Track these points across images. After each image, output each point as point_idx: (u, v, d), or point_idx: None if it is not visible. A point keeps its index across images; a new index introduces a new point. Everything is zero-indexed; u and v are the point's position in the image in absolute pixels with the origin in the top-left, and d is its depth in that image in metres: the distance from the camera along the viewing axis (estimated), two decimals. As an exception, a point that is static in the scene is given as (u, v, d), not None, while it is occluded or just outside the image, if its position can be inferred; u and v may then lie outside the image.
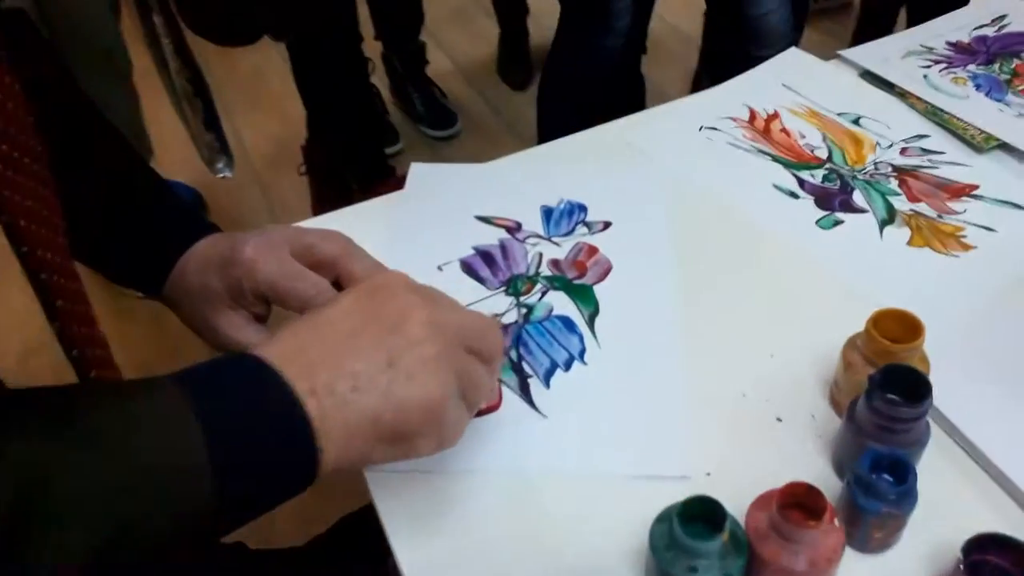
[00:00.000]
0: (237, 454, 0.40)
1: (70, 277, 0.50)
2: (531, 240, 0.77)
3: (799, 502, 0.49)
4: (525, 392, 0.64)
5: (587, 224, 0.78)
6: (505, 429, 0.61)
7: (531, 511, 0.57)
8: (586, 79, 1.70)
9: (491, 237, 0.77)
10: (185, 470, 0.39)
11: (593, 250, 0.75)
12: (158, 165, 2.04)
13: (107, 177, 0.64)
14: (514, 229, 0.78)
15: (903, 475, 0.51)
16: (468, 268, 0.74)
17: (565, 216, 0.79)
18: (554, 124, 1.70)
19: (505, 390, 0.64)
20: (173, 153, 2.12)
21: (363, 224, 0.76)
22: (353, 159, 2.00)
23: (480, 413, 0.62)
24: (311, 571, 0.76)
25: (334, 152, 1.99)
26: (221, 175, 1.59)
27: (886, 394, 0.52)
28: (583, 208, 0.80)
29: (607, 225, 0.78)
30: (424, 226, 0.78)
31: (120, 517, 0.37)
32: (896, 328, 0.57)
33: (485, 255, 0.75)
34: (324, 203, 2.03)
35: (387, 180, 2.00)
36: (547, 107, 1.79)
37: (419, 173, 0.85)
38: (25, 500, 0.34)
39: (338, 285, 0.58)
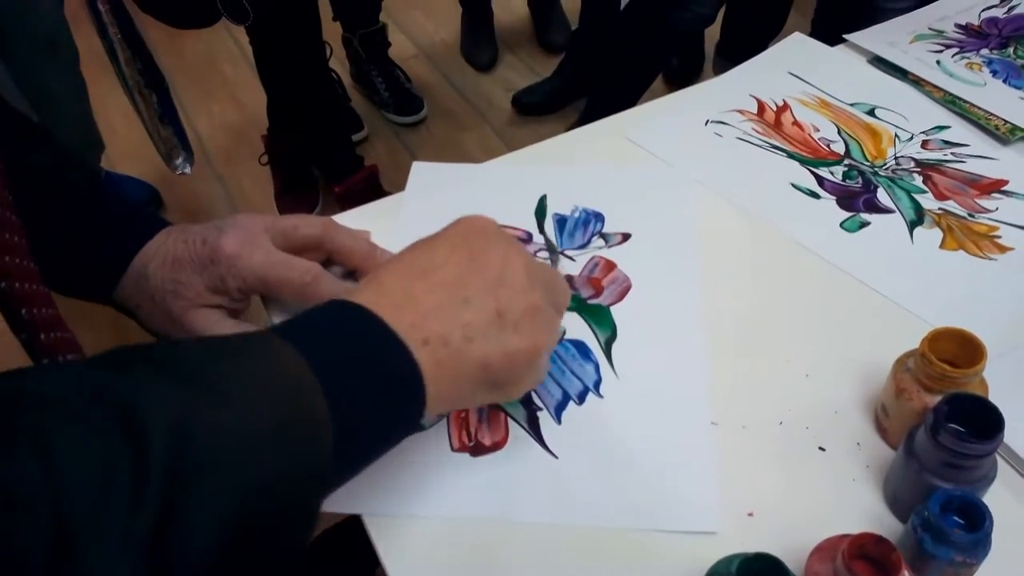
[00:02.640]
0: (352, 409, 0.41)
1: (33, 279, 0.47)
2: (541, 255, 0.70)
3: (864, 553, 0.45)
4: (534, 427, 0.58)
5: (604, 236, 0.71)
6: (511, 470, 0.56)
7: (551, 563, 0.51)
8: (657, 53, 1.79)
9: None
10: (311, 426, 0.39)
11: (610, 266, 0.68)
12: (109, 159, 1.94)
13: (38, 179, 0.59)
14: (525, 240, 0.71)
15: (975, 518, 0.46)
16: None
17: (580, 226, 0.72)
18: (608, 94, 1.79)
19: (512, 425, 0.58)
20: (125, 146, 2.01)
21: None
22: (319, 148, 1.91)
23: (484, 451, 0.57)
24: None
25: (298, 141, 1.90)
26: (180, 171, 1.50)
27: (952, 427, 0.48)
28: (600, 217, 0.73)
29: (626, 237, 0.71)
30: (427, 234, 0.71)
31: (257, 475, 0.36)
32: (953, 349, 0.53)
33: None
34: (288, 195, 1.95)
35: (357, 171, 1.92)
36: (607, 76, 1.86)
37: (421, 173, 0.77)
38: (179, 447, 0.33)
39: (327, 264, 0.60)
